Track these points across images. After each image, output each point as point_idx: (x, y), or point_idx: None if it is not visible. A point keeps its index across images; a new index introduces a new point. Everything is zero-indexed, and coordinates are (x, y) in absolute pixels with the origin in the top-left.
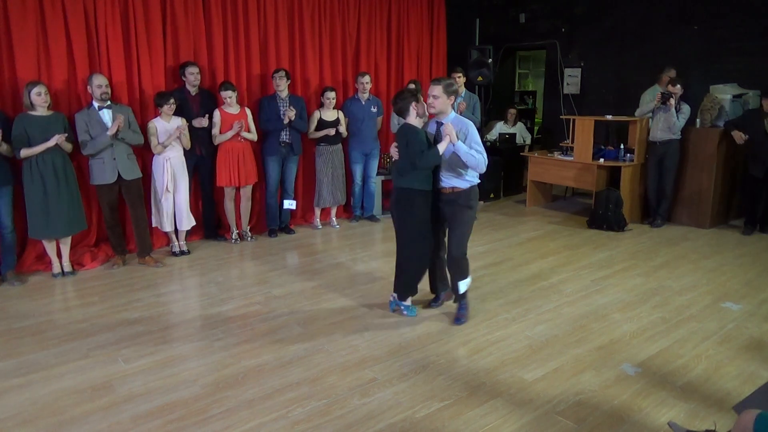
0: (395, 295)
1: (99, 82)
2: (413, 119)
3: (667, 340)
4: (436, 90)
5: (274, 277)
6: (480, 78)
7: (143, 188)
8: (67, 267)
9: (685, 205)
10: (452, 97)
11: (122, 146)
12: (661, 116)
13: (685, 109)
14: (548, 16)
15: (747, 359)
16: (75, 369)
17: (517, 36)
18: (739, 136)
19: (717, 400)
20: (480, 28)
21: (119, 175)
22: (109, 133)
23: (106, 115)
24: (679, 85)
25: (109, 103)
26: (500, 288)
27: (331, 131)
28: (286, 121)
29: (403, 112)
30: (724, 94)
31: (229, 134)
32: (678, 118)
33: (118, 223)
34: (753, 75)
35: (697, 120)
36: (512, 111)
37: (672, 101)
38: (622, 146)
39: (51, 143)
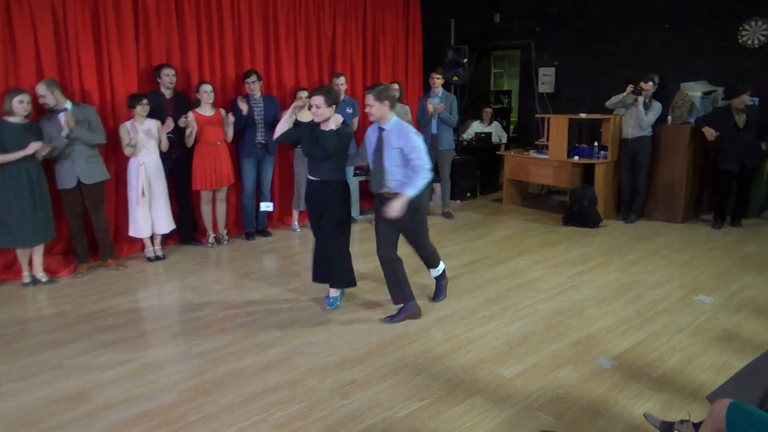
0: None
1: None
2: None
3: (641, 333)
4: (369, 98)
5: (252, 281)
6: (456, 78)
7: (120, 194)
8: (41, 276)
9: (658, 201)
10: (386, 102)
11: (82, 150)
12: (632, 113)
13: (656, 106)
14: (522, 16)
15: (719, 350)
16: (48, 379)
17: (492, 36)
18: (710, 133)
19: (691, 390)
20: (455, 28)
21: (79, 179)
22: (63, 134)
23: (62, 118)
24: (650, 83)
25: (67, 105)
26: (478, 286)
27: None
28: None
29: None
30: (694, 91)
31: (189, 130)
32: (647, 114)
33: (83, 231)
34: (722, 73)
35: (669, 117)
36: (488, 110)
37: (640, 98)
38: (596, 144)
39: (28, 151)
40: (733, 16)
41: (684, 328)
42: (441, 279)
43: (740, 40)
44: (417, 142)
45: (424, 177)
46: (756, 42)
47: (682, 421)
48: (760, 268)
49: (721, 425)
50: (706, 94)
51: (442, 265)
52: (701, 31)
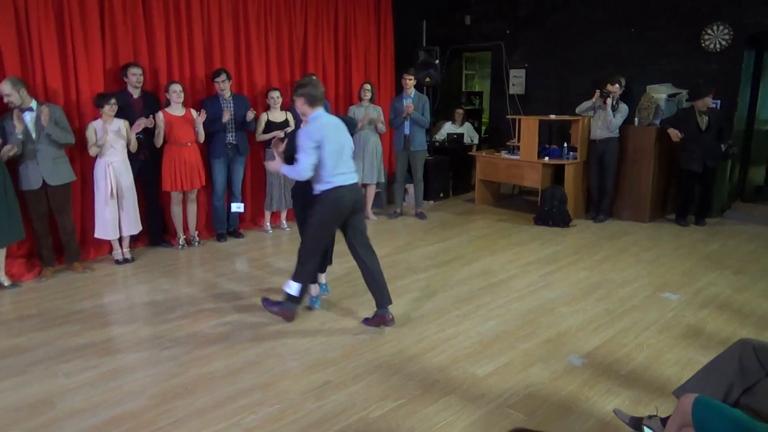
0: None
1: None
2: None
3: (611, 331)
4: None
5: (224, 283)
6: (428, 79)
7: (87, 195)
8: (4, 280)
9: (626, 201)
10: (301, 98)
11: (48, 150)
12: (600, 115)
13: (623, 108)
14: (493, 18)
15: (685, 346)
16: (11, 387)
17: (463, 38)
18: (675, 134)
19: (658, 386)
20: (427, 29)
21: (44, 180)
22: (16, 131)
23: (28, 117)
24: (617, 85)
25: (33, 104)
26: (451, 285)
27: (280, 133)
28: (250, 117)
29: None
30: (659, 93)
31: (158, 130)
32: (615, 116)
33: (48, 234)
34: (685, 75)
35: (635, 119)
36: (459, 111)
37: (609, 100)
38: (565, 145)
39: None
40: (697, 21)
41: (651, 325)
42: (287, 298)
43: (703, 44)
44: (301, 141)
45: (297, 171)
46: (718, 46)
47: (650, 416)
48: (723, 266)
49: (688, 419)
50: (670, 96)
51: (296, 287)
52: (666, 35)
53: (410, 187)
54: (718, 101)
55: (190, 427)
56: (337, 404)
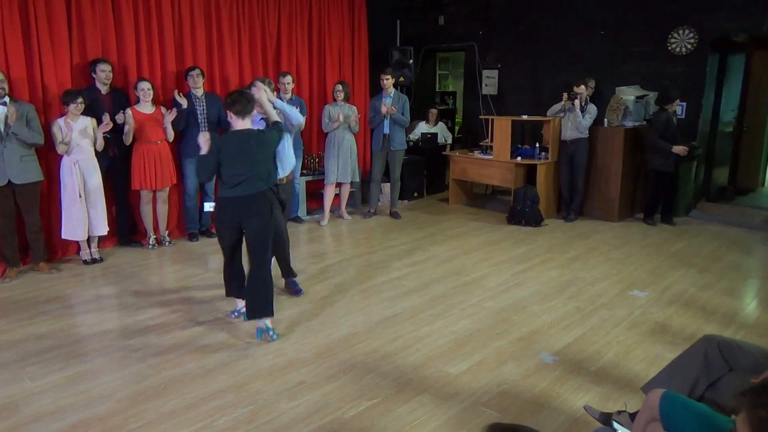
0: (258, 318)
1: None
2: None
3: (581, 328)
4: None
5: (196, 283)
6: (402, 78)
7: (53, 194)
8: None
9: (596, 200)
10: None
11: (15, 147)
12: (570, 116)
13: (592, 109)
14: (466, 18)
15: (653, 342)
16: None
17: (436, 38)
18: (682, 150)
19: (627, 382)
20: (401, 29)
21: (9, 179)
22: None
23: (0, 111)
24: (583, 86)
25: (6, 99)
26: (425, 285)
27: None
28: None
29: (248, 113)
30: (628, 95)
31: (127, 127)
32: (584, 117)
33: (13, 233)
34: (653, 77)
35: (605, 120)
36: (433, 111)
37: (577, 101)
38: (537, 145)
39: None
40: (664, 25)
41: (620, 322)
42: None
43: (669, 48)
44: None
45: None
46: (684, 49)
47: (619, 412)
48: (689, 264)
49: (655, 414)
50: (638, 97)
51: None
52: (634, 38)
53: (385, 186)
54: (684, 104)
55: (160, 429)
56: (310, 404)
